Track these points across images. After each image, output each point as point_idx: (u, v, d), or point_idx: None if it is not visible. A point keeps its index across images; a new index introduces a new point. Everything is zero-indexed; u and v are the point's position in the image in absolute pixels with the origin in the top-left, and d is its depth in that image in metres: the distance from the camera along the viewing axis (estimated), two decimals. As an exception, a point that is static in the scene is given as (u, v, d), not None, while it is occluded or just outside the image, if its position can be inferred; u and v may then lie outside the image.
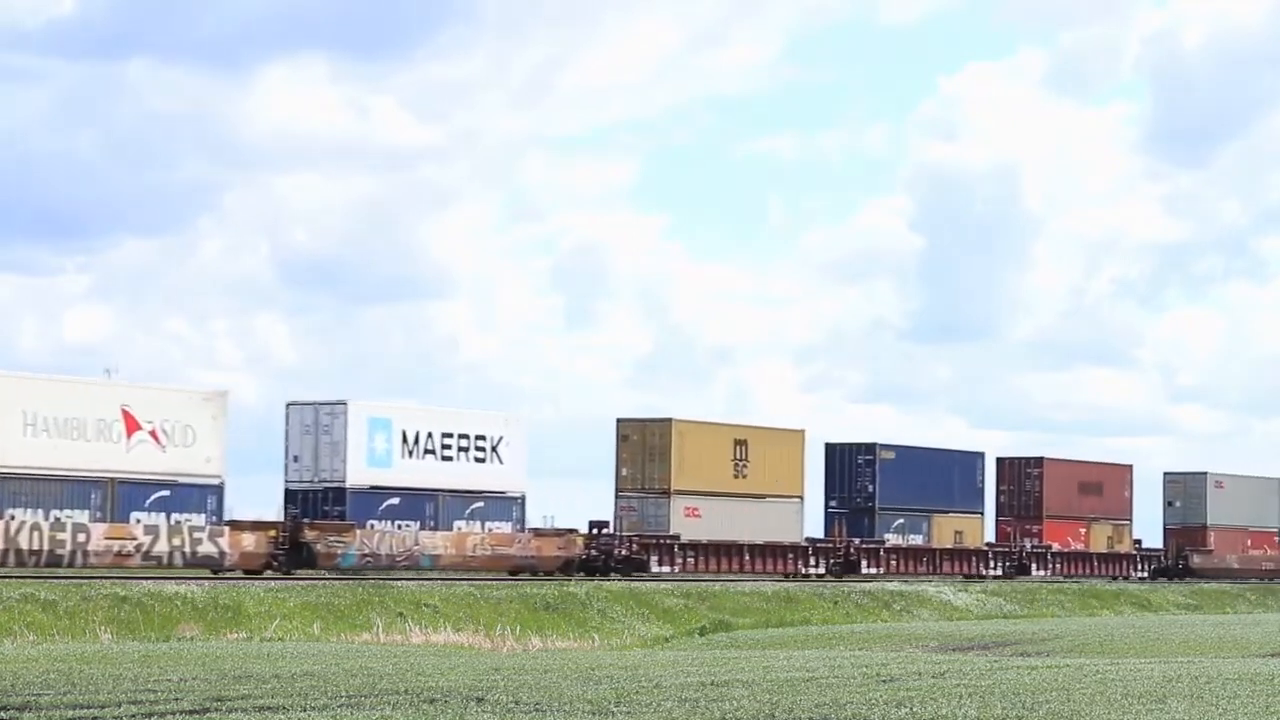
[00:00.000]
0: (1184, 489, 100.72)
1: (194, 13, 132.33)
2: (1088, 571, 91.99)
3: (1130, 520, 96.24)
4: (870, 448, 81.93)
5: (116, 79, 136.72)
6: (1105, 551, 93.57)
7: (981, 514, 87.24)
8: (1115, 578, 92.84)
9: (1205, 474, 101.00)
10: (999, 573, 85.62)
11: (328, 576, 59.29)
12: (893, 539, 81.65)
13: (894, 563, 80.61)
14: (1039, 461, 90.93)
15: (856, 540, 79.25)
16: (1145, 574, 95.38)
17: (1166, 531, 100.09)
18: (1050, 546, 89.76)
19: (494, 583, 61.21)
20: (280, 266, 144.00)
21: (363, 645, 38.40)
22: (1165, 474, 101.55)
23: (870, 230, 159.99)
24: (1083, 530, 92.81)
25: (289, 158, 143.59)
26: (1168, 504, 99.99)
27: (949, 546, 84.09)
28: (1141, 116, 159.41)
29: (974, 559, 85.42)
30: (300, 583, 56.06)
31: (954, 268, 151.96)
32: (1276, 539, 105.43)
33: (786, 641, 45.16)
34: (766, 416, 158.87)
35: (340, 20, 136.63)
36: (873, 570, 78.83)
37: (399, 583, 58.41)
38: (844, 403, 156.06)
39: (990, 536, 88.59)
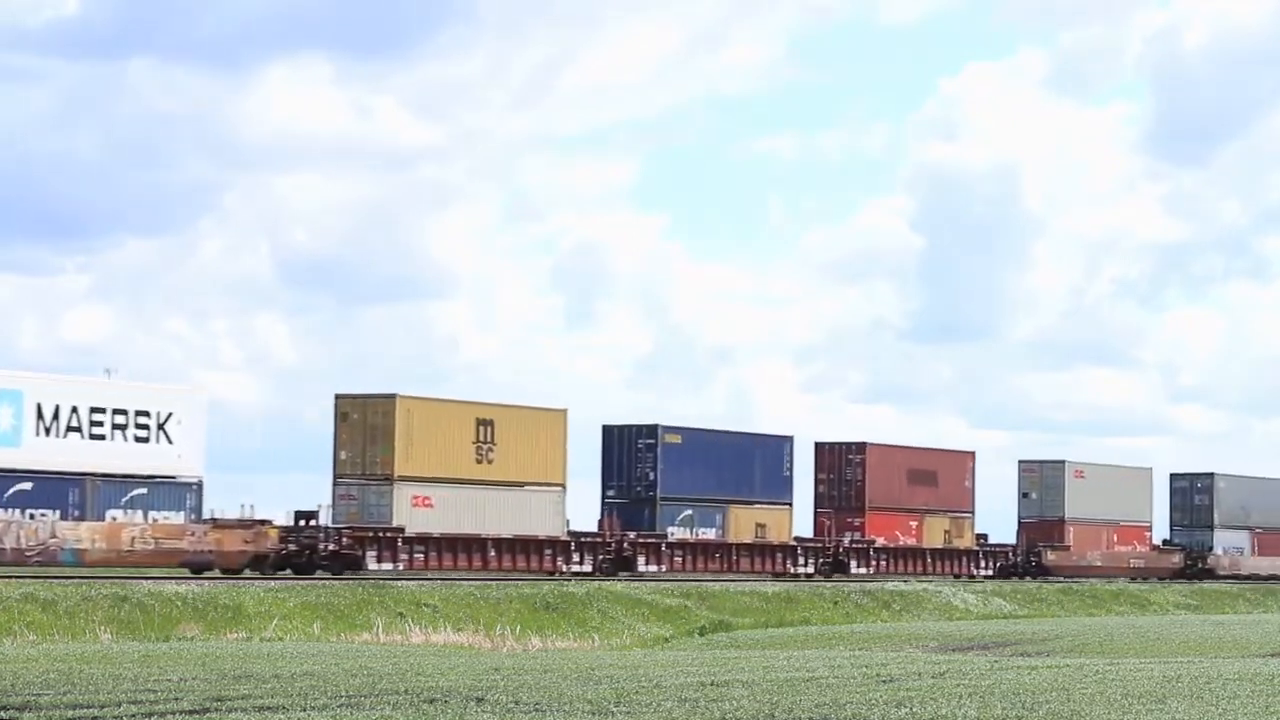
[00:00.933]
0: (1040, 479, 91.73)
1: (195, 13, 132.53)
2: (919, 569, 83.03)
3: (972, 512, 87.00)
4: (652, 430, 73.04)
5: (117, 79, 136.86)
6: (941, 547, 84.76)
7: (790, 505, 78.04)
8: (958, 575, 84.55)
9: (1063, 462, 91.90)
10: (809, 570, 77.34)
11: (328, 577, 59.23)
12: (678, 532, 73.14)
13: (679, 559, 72.58)
14: (861, 447, 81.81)
15: (632, 534, 71.08)
16: (990, 572, 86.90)
17: (1020, 525, 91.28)
18: (873, 541, 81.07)
19: (494, 582, 61.19)
20: (280, 266, 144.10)
21: (363, 645, 38.40)
22: (1020, 462, 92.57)
23: (870, 230, 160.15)
24: (914, 524, 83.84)
25: (290, 158, 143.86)
26: (1022, 495, 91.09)
27: (748, 541, 75.68)
28: (1142, 116, 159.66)
29: (779, 555, 76.82)
30: (300, 582, 56.04)
31: (954, 268, 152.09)
32: (1148, 534, 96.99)
33: (786, 641, 45.17)
34: (766, 417, 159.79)
35: (341, 20, 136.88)
36: (652, 568, 71.03)
37: (399, 583, 58.40)
38: (844, 403, 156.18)
39: (806, 530, 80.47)
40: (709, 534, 74.79)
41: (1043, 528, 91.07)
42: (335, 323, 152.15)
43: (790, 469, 78.66)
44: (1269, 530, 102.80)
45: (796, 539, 78.54)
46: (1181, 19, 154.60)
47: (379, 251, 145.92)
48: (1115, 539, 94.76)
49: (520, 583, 62.06)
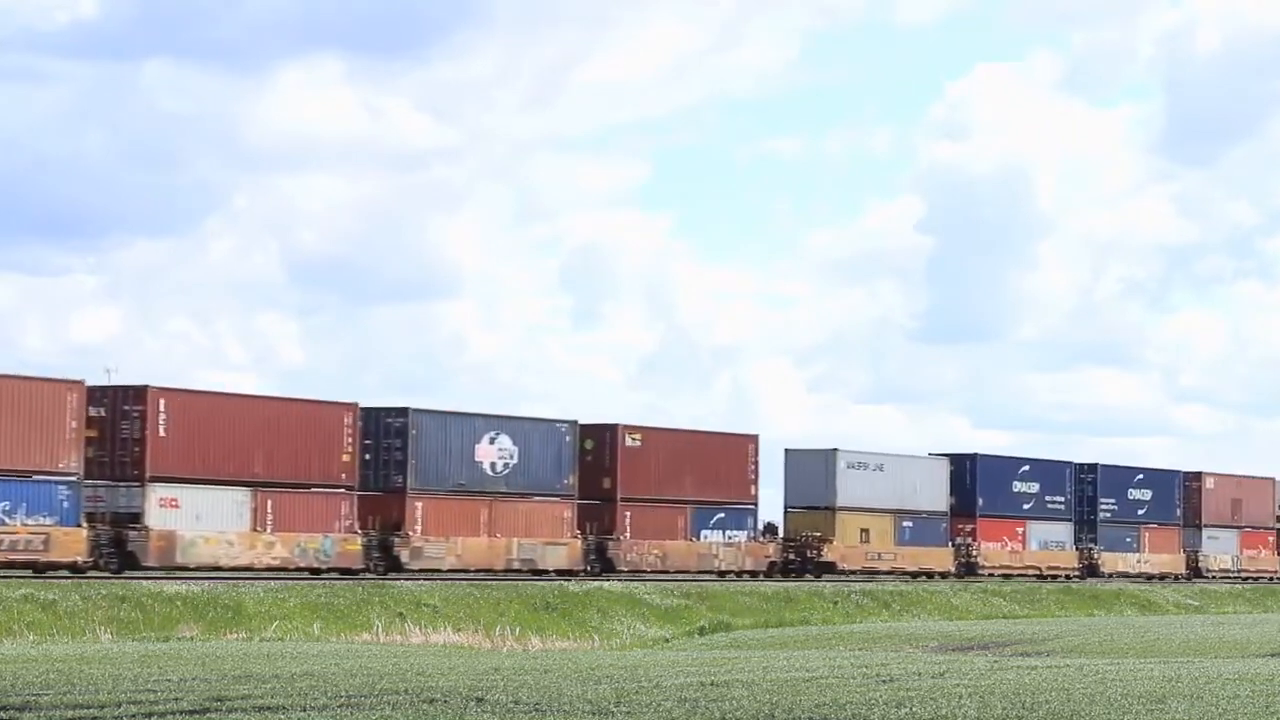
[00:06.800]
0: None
1: (209, 15, 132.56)
2: None
3: None
4: None
5: (130, 80, 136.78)
6: None
7: None
8: None
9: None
10: None
11: (329, 577, 59.19)
12: None
13: None
14: None
15: None
16: None
17: None
18: None
19: (494, 583, 61.18)
20: (289, 267, 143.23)
21: (363, 645, 38.41)
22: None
23: (877, 231, 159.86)
24: None
25: (302, 158, 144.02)
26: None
27: None
28: (1152, 118, 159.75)
29: None
30: (300, 582, 56.04)
31: (960, 268, 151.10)
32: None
33: (786, 641, 45.16)
34: (769, 418, 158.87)
35: (353, 21, 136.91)
36: None
37: (399, 583, 58.40)
38: (848, 403, 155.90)
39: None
40: None
41: None
42: (342, 322, 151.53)
43: None
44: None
45: None
46: (1192, 21, 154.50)
47: (387, 252, 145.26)
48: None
49: (520, 582, 62.06)
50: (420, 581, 59.66)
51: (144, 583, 51.71)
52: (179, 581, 53.08)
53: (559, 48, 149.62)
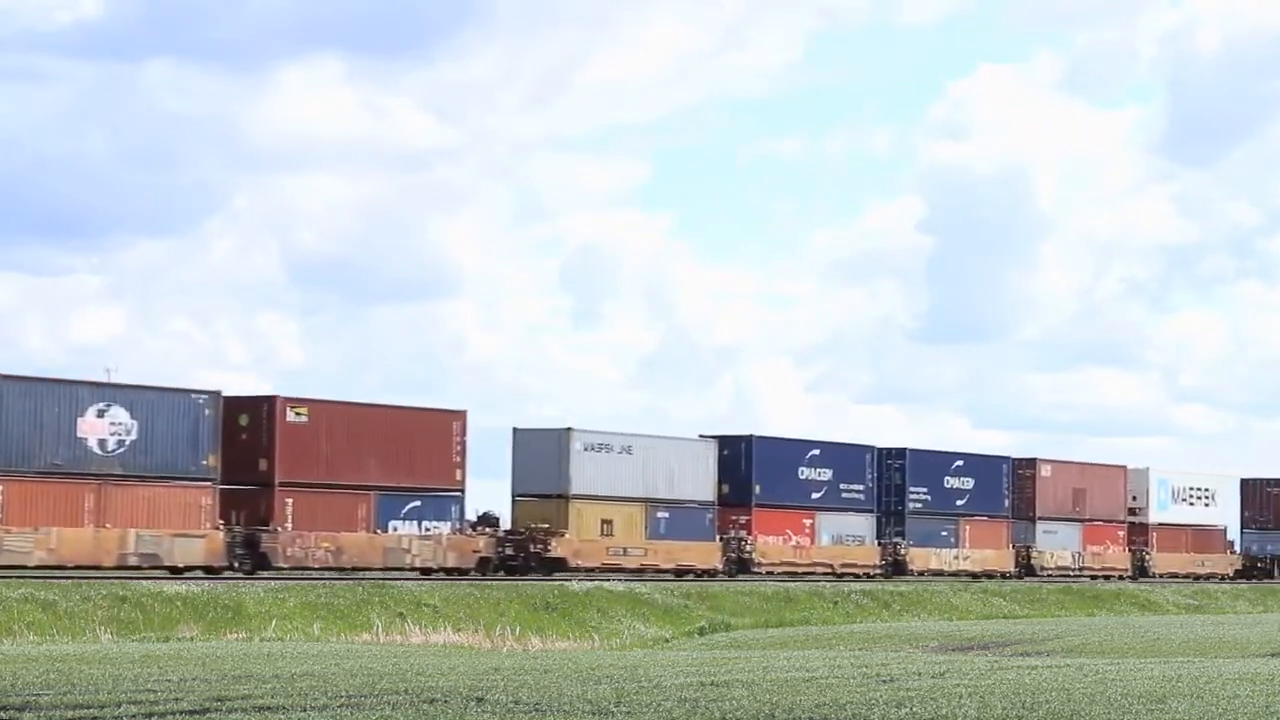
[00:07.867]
0: None
1: (210, 15, 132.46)
2: None
3: None
4: None
5: (131, 80, 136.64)
6: None
7: None
8: None
9: None
10: None
11: (328, 577, 59.20)
12: None
13: None
14: None
15: None
16: None
17: None
18: None
19: (494, 583, 61.17)
20: (289, 267, 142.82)
21: (363, 645, 38.40)
22: None
23: (877, 231, 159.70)
24: None
25: (302, 158, 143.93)
26: None
27: None
28: (1153, 118, 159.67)
29: None
30: (300, 582, 56.01)
31: (961, 268, 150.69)
32: None
33: (786, 641, 45.16)
34: (770, 418, 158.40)
35: (355, 21, 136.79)
36: None
37: (399, 583, 58.39)
38: (849, 404, 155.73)
39: None
40: None
41: None
42: (343, 322, 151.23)
43: None
44: None
45: None
46: (1193, 21, 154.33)
47: (387, 252, 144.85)
48: None
49: (520, 582, 62.05)
50: (420, 581, 59.55)
51: (144, 583, 51.73)
52: (179, 581, 53.10)
53: (560, 48, 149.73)
